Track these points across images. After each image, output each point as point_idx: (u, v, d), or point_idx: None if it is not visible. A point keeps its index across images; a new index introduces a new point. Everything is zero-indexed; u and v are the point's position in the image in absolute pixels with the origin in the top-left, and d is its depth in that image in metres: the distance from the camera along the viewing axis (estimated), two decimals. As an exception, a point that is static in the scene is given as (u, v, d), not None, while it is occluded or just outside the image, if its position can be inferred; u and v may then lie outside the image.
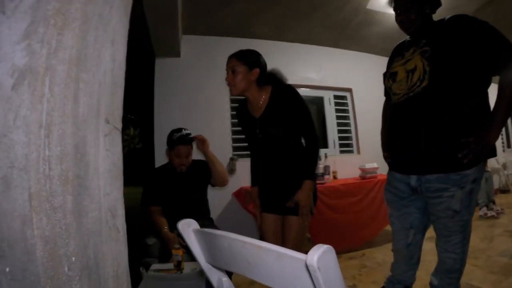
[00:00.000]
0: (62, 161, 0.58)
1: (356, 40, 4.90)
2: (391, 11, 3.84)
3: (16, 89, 0.56)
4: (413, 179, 1.62)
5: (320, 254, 0.56)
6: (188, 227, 1.01)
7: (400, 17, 1.68)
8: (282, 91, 1.91)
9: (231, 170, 4.03)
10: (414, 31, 1.67)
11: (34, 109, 0.56)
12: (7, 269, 0.55)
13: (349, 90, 5.20)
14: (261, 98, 1.94)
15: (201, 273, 1.91)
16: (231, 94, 1.97)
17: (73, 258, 0.59)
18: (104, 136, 0.69)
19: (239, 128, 4.19)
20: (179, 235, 2.13)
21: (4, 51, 0.57)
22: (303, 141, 1.99)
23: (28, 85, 0.56)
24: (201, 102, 4.11)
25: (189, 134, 2.63)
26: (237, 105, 4.20)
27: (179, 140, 2.59)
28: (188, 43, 4.10)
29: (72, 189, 0.59)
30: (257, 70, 1.89)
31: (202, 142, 2.60)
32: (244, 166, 3.61)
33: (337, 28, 4.46)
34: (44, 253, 0.56)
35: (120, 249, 0.74)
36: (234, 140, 4.29)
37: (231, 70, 1.88)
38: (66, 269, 0.58)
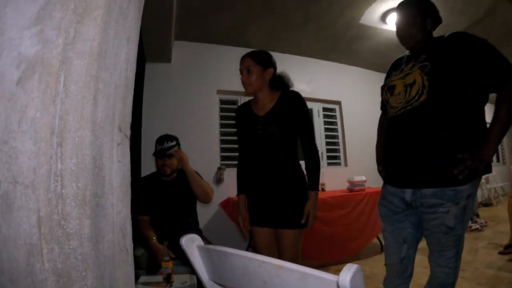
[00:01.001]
0: (78, 177, 0.47)
1: (348, 54, 4.90)
2: (383, 27, 3.94)
3: (23, 84, 0.45)
4: (408, 194, 1.59)
5: (352, 275, 0.55)
6: (192, 243, 0.96)
7: (401, 32, 1.67)
8: (290, 97, 1.92)
9: (219, 179, 3.92)
10: (414, 46, 1.66)
11: (45, 111, 0.45)
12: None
13: (338, 102, 5.18)
14: (269, 99, 1.95)
15: (192, 287, 1.82)
16: (246, 93, 1.95)
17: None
18: (117, 145, 0.58)
19: (228, 137, 4.24)
20: (169, 247, 2.05)
21: (9, 36, 0.46)
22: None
23: (39, 81, 0.45)
24: (190, 109, 4.00)
25: (171, 147, 2.52)
26: (226, 113, 4.22)
27: (157, 153, 2.53)
28: (180, 49, 4.00)
29: (90, 211, 0.48)
30: (271, 70, 1.93)
31: (181, 160, 2.49)
32: (232, 176, 3.52)
33: (330, 41, 4.45)
34: (56, 286, 0.45)
35: (129, 271, 0.64)
36: (223, 149, 4.19)
37: (246, 70, 1.90)
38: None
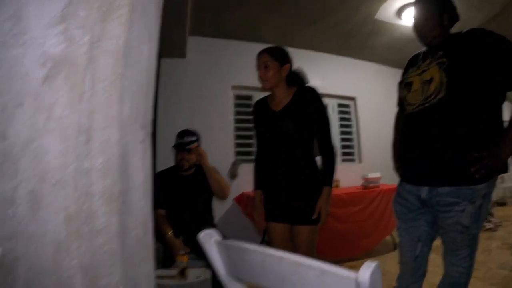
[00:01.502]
0: (105, 175, 0.47)
1: (362, 49, 4.85)
2: (399, 22, 3.89)
3: (49, 83, 0.45)
4: (424, 192, 1.58)
5: (371, 272, 0.55)
6: (210, 238, 0.95)
7: (419, 27, 1.65)
8: (306, 92, 1.91)
9: (234, 175, 3.92)
10: (432, 42, 1.63)
11: (72, 110, 0.45)
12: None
13: (352, 98, 5.14)
14: (286, 95, 1.94)
15: (206, 281, 1.84)
16: (263, 89, 1.96)
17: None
18: (140, 142, 0.59)
19: (243, 133, 4.25)
20: (184, 241, 2.07)
21: (33, 36, 0.47)
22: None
23: (65, 79, 0.46)
24: (205, 105, 4.01)
25: (191, 142, 2.54)
26: (241, 109, 4.23)
27: (176, 146, 2.57)
28: (194, 45, 4.00)
29: (117, 208, 0.49)
30: (288, 66, 1.93)
31: (199, 156, 2.51)
32: (246, 171, 3.53)
33: (344, 37, 4.40)
34: (83, 286, 0.45)
35: (150, 267, 0.64)
36: (237, 145, 4.20)
37: (263, 66, 1.89)
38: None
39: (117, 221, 0.49)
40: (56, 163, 0.45)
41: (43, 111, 0.46)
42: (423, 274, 1.72)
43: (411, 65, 1.78)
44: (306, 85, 1.97)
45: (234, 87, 4.25)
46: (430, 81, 1.55)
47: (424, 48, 1.73)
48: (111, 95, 0.49)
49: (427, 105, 1.54)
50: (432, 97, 1.52)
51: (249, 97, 4.30)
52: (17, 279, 0.46)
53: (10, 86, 0.48)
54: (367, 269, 0.55)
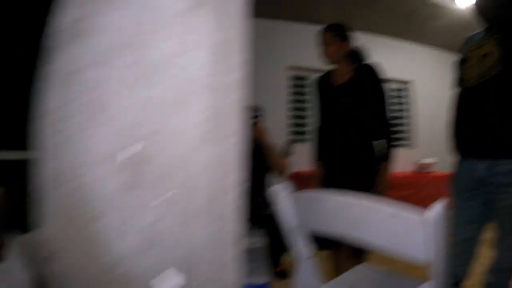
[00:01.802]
0: (240, 87, 0.57)
1: (418, 33, 4.73)
2: (455, 6, 3.74)
3: (190, 13, 0.55)
4: (481, 170, 1.55)
5: (438, 212, 0.62)
6: (281, 191, 1.02)
7: (478, 5, 1.61)
8: (366, 69, 1.96)
9: (288, 153, 3.98)
10: (491, 20, 1.59)
11: (214, 34, 0.55)
12: (170, 193, 0.53)
13: (408, 83, 5.03)
14: (347, 71, 1.99)
15: (261, 249, 1.94)
16: (326, 64, 2.05)
17: (237, 188, 0.58)
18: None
19: (298, 113, 4.32)
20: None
21: None
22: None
23: (203, 13, 0.56)
24: (260, 85, 4.02)
25: (253, 117, 2.57)
26: (296, 90, 4.29)
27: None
28: (251, 25, 4.01)
29: (244, 116, 0.58)
30: (348, 42, 2.00)
31: (259, 132, 2.52)
32: (300, 151, 3.59)
33: (400, 20, 4.33)
34: (211, 178, 0.54)
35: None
36: (292, 125, 4.28)
37: (325, 42, 1.98)
38: (228, 198, 0.57)
39: (245, 127, 0.59)
40: (200, 74, 0.55)
41: (189, 32, 0.56)
42: (472, 257, 1.69)
43: (468, 42, 1.76)
44: (369, 62, 2.01)
45: (290, 68, 4.30)
46: (487, 55, 1.53)
47: (480, 29, 1.70)
48: (242, 29, 0.61)
49: (484, 80, 1.53)
50: (490, 71, 1.51)
51: (304, 78, 4.36)
52: (150, 174, 0.54)
53: (154, 15, 0.56)
54: (432, 210, 0.62)
